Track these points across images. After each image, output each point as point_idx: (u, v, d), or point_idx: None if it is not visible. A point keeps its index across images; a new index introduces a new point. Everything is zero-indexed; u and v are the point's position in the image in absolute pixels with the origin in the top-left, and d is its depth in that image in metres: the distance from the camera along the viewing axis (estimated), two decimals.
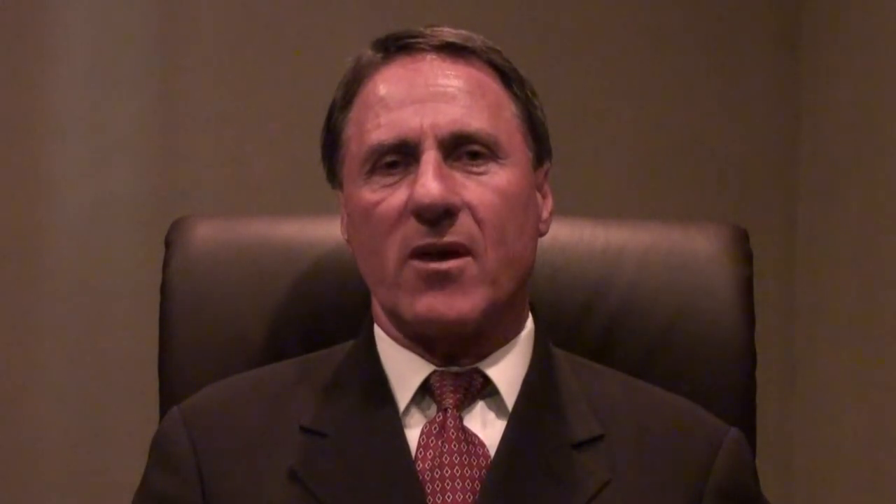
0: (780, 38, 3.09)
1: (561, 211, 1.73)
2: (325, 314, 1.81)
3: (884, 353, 2.82)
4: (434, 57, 1.64)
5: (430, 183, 1.58)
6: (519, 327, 1.68)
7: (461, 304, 1.59)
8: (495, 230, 1.59)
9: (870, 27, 2.90)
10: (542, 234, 1.68)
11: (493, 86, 1.65)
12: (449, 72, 1.63)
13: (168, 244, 1.85)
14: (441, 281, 1.58)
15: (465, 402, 1.63)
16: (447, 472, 1.58)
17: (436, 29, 1.66)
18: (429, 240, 1.58)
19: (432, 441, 1.60)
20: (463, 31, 1.67)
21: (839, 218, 2.97)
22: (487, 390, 1.64)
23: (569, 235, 1.85)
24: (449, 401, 1.62)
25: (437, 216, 1.58)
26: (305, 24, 2.89)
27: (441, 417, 1.61)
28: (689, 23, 3.06)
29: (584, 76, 3.01)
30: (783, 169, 3.10)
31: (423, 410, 1.63)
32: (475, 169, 1.61)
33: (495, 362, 1.65)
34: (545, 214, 1.69)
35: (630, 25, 3.04)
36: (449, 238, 1.58)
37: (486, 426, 1.62)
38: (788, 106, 3.09)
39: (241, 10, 2.87)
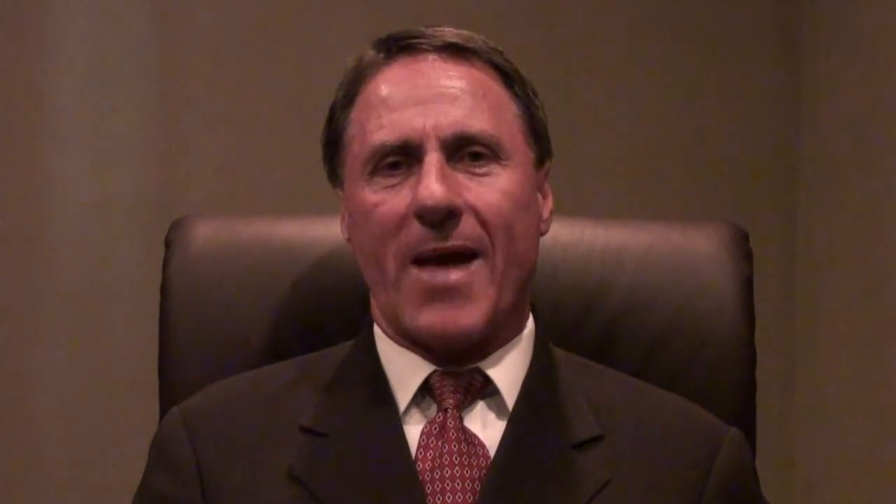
0: (780, 39, 3.09)
1: (561, 211, 1.73)
2: (325, 314, 1.81)
3: (884, 353, 2.82)
4: (436, 57, 1.64)
5: (433, 185, 1.57)
6: (520, 327, 1.67)
7: (466, 318, 1.59)
8: (502, 231, 1.59)
9: (870, 28, 2.90)
10: (542, 234, 1.68)
11: (494, 86, 1.64)
12: (451, 72, 1.63)
13: (168, 244, 1.85)
14: (444, 293, 1.58)
15: (466, 403, 1.63)
16: (447, 472, 1.58)
17: (437, 29, 1.66)
18: (433, 245, 1.58)
19: (432, 441, 1.60)
20: (464, 32, 1.67)
21: (839, 218, 2.97)
22: (488, 390, 1.64)
23: (569, 235, 1.85)
24: (449, 401, 1.62)
25: (441, 218, 1.58)
26: (305, 24, 2.89)
27: (441, 418, 1.61)
28: (689, 23, 3.06)
29: (584, 76, 3.01)
30: (783, 169, 3.10)
31: (423, 410, 1.63)
32: (477, 170, 1.61)
33: (496, 362, 1.65)
34: (545, 214, 1.69)
35: (630, 26, 3.04)
36: (454, 241, 1.58)
37: (487, 426, 1.62)
38: (788, 106, 3.09)
39: (240, 11, 2.87)
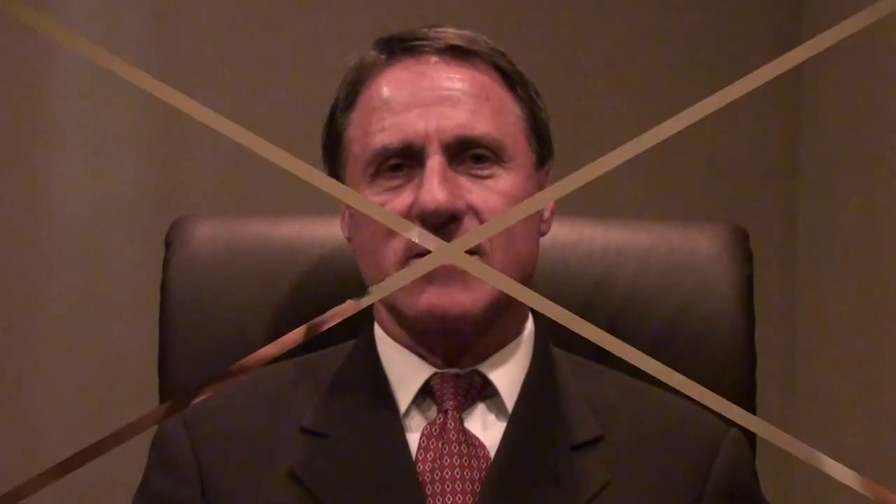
0: (780, 38, 3.09)
1: (561, 211, 1.73)
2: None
3: (884, 353, 2.82)
4: (438, 60, 1.64)
5: (435, 189, 1.57)
6: (519, 328, 1.68)
7: (463, 298, 1.59)
8: (504, 234, 1.59)
9: (870, 27, 2.90)
10: (543, 234, 1.68)
11: (497, 89, 1.64)
12: (453, 75, 1.63)
13: (168, 244, 1.85)
14: (443, 276, 1.58)
15: (466, 404, 1.63)
16: (447, 473, 1.58)
17: (439, 31, 1.66)
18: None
19: (433, 443, 1.60)
20: (467, 32, 1.66)
21: (839, 218, 2.97)
22: (487, 392, 1.64)
23: (569, 235, 1.84)
24: (449, 402, 1.62)
25: (443, 222, 1.58)
26: (305, 24, 2.89)
27: (441, 419, 1.61)
28: (689, 22, 3.06)
29: (584, 76, 3.01)
30: (783, 169, 3.10)
31: (423, 412, 1.63)
32: (480, 173, 1.61)
33: (495, 364, 1.65)
34: (546, 214, 1.69)
35: (630, 26, 3.04)
36: None
37: (487, 428, 1.62)
38: (788, 106, 3.09)
39: (240, 11, 2.87)
